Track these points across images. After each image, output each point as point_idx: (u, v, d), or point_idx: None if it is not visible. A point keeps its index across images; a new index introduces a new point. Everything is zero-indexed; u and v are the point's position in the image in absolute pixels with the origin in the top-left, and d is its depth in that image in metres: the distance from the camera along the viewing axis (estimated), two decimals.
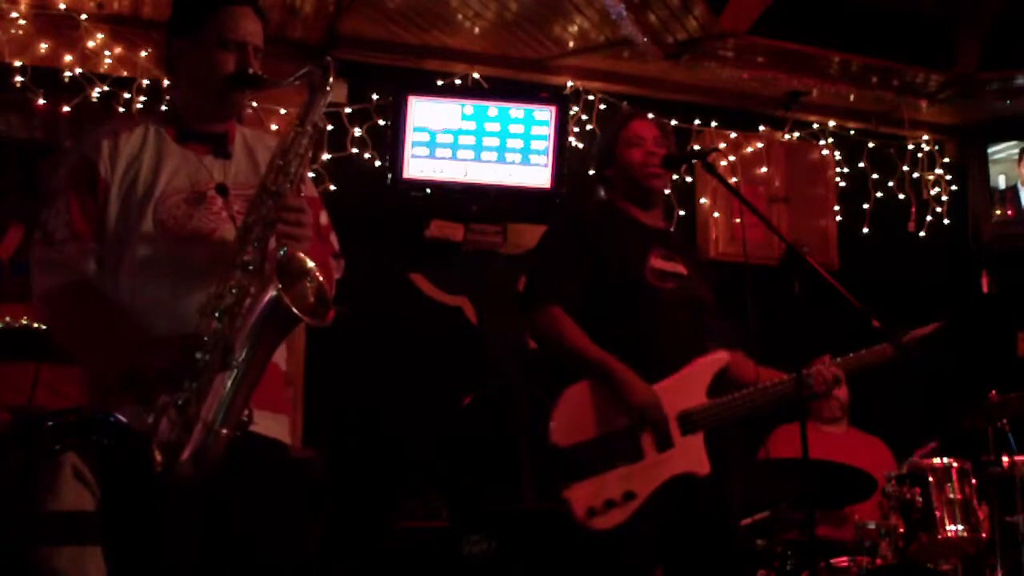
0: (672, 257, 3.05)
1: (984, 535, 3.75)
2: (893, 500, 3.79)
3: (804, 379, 2.88)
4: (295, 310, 1.95)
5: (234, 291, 2.02)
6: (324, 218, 2.37)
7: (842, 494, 3.72)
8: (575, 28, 5.00)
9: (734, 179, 5.54)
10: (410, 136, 4.93)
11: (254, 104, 4.71)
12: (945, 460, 3.79)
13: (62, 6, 4.57)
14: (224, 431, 1.96)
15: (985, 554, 3.92)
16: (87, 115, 4.55)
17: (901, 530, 3.74)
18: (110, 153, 2.18)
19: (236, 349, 1.97)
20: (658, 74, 5.46)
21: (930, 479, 3.74)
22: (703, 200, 5.62)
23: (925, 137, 6.10)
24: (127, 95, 4.67)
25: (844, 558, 3.77)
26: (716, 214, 5.55)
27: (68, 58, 4.60)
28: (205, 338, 1.99)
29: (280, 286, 1.95)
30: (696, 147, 5.27)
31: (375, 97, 5.05)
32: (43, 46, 4.57)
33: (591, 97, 5.40)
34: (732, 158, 5.62)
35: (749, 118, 5.78)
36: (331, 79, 2.15)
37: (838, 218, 5.84)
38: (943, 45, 5.47)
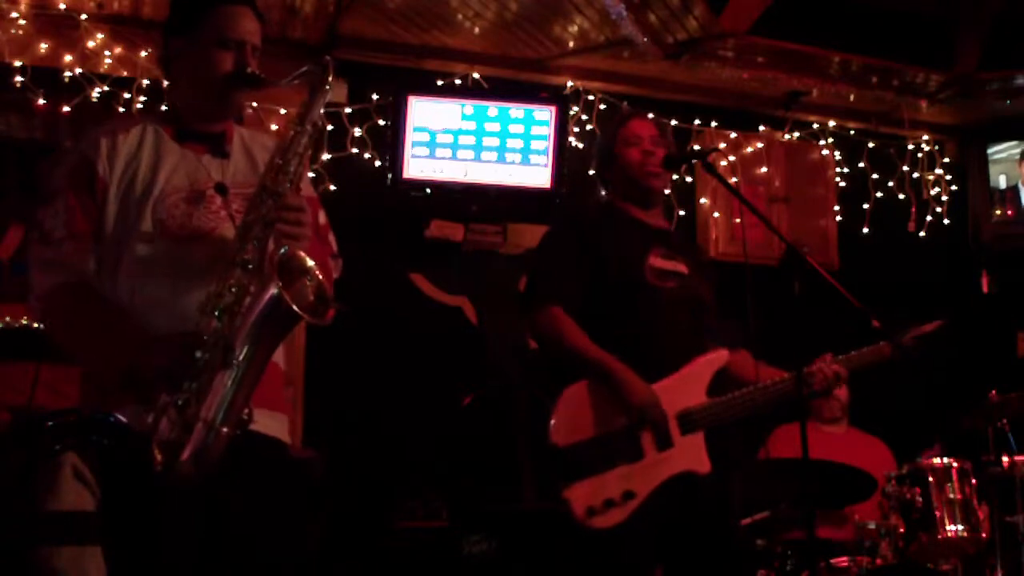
0: (673, 256, 3.05)
1: (984, 535, 3.75)
2: (893, 500, 3.79)
3: (805, 378, 2.88)
4: (296, 308, 1.95)
5: (234, 290, 2.02)
6: (322, 218, 2.37)
7: (842, 494, 3.72)
8: (575, 28, 5.00)
9: (734, 179, 5.54)
10: (410, 136, 4.93)
11: (254, 104, 4.72)
12: (945, 460, 3.79)
13: (62, 6, 4.57)
14: (225, 430, 1.96)
15: (985, 554, 3.92)
16: (87, 115, 4.55)
17: (901, 530, 3.74)
18: (108, 152, 2.18)
19: (236, 347, 1.97)
20: (658, 74, 5.46)
21: (930, 479, 3.74)
22: (703, 200, 5.61)
23: (925, 137, 6.10)
24: (127, 95, 4.67)
25: (844, 558, 3.77)
26: (716, 214, 5.55)
27: (68, 58, 4.60)
28: (205, 337, 1.99)
29: (281, 284, 1.95)
30: (696, 147, 5.27)
31: (375, 97, 5.05)
32: (43, 46, 4.58)
33: (591, 97, 5.40)
34: (732, 158, 5.62)
35: (749, 118, 5.78)
36: (330, 78, 2.15)
37: (838, 218, 5.84)
38: (943, 45, 5.47)
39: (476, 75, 5.23)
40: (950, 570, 3.86)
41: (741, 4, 4.92)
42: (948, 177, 6.16)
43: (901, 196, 6.01)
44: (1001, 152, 6.18)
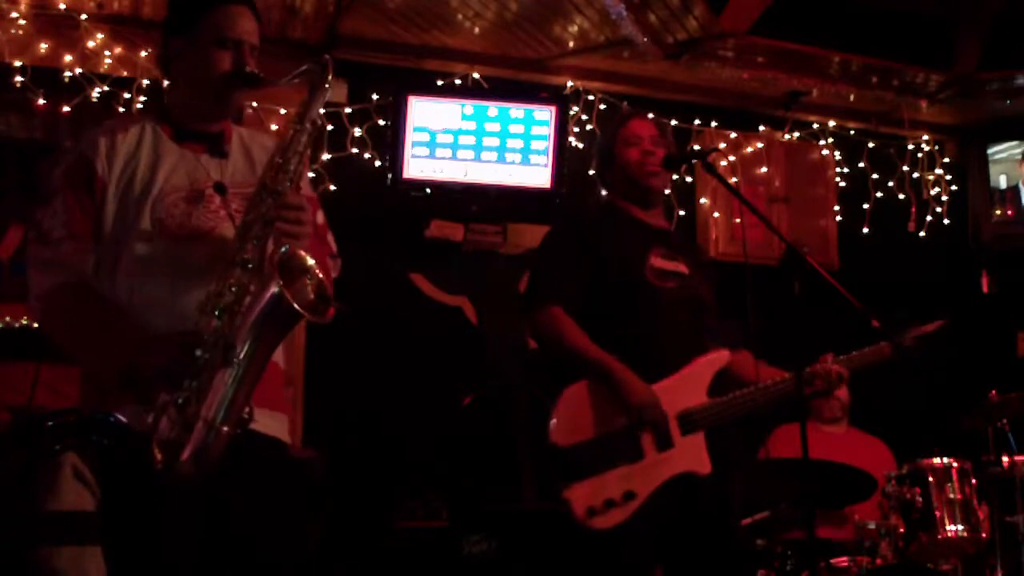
0: (673, 256, 3.05)
1: (984, 535, 3.75)
2: (893, 500, 3.79)
3: (805, 377, 2.88)
4: (296, 306, 1.95)
5: (234, 289, 2.02)
6: (321, 217, 2.37)
7: (842, 494, 3.72)
8: (575, 28, 5.00)
9: (734, 179, 5.54)
10: (410, 136, 4.92)
11: (253, 104, 4.72)
12: (945, 460, 3.79)
13: (62, 6, 4.57)
14: (225, 429, 1.96)
15: (985, 554, 3.91)
16: (87, 115, 4.55)
17: (901, 530, 3.73)
18: (107, 152, 2.18)
19: (237, 346, 1.97)
20: (658, 74, 5.46)
21: (930, 479, 3.74)
22: (703, 200, 5.61)
23: (925, 137, 6.10)
24: (127, 95, 4.67)
25: (844, 558, 3.76)
26: (716, 214, 5.55)
27: (68, 58, 4.60)
28: (205, 336, 1.99)
29: (281, 283, 1.95)
30: (696, 147, 5.27)
31: (375, 97, 5.05)
32: (43, 46, 4.57)
33: (591, 97, 5.39)
34: (732, 158, 5.62)
35: (749, 118, 5.78)
36: (329, 77, 2.15)
37: (838, 218, 5.83)
38: (943, 45, 5.46)
39: (476, 75, 5.23)
40: (950, 570, 3.85)
41: (741, 4, 4.92)
42: (948, 177, 6.16)
43: (901, 196, 6.01)
44: (1001, 152, 6.18)
